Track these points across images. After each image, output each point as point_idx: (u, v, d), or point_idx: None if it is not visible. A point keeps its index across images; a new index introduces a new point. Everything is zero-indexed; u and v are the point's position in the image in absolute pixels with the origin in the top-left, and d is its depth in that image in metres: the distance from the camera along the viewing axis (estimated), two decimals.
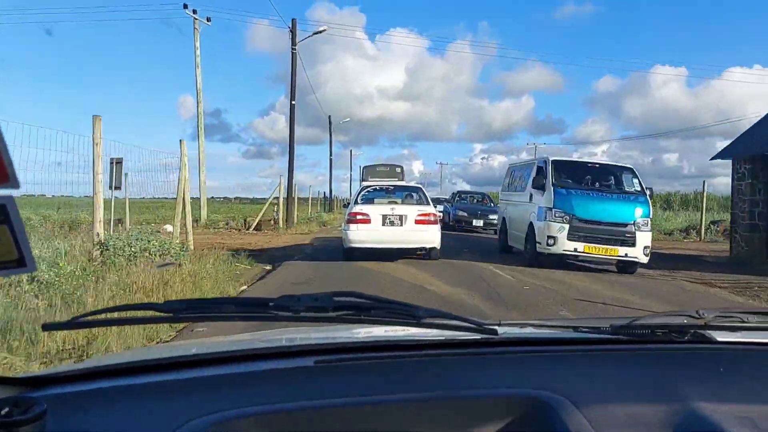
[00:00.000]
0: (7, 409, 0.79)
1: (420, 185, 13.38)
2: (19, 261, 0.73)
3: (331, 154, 51.44)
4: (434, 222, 11.26)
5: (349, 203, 12.80)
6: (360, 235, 10.89)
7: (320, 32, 26.22)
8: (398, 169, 13.33)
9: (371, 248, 10.95)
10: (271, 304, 1.07)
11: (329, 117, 47.96)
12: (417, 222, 11.06)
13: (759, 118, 14.92)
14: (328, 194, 53.09)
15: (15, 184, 0.70)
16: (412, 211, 11.13)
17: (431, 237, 11.18)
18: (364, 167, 13.87)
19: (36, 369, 3.20)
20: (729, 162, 14.87)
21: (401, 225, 10.98)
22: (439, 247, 11.52)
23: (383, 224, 10.95)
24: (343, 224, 11.60)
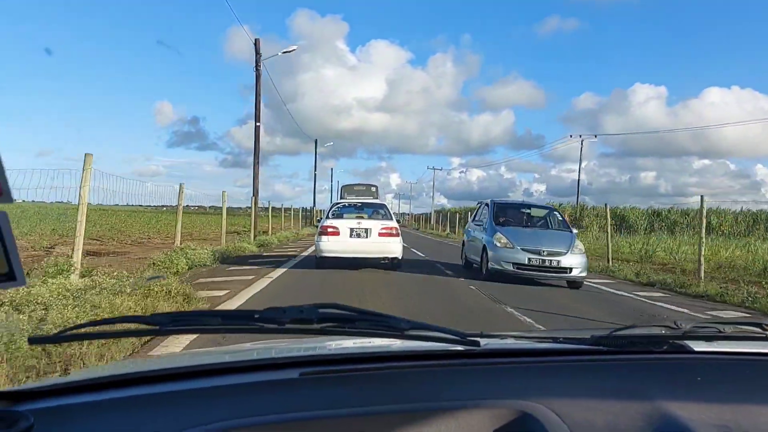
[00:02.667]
0: None
1: (384, 203, 14.80)
2: (9, 275, 0.73)
3: (258, 108, 22.98)
4: (396, 234, 12.69)
5: (320, 218, 14.35)
6: (330, 246, 12.30)
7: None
8: (373, 188, 15.06)
9: (340, 257, 12.30)
10: (256, 316, 1.07)
11: (256, 42, 23.19)
12: (380, 234, 12.49)
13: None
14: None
15: (8, 199, 0.70)
16: (376, 225, 12.57)
17: (393, 248, 12.58)
18: (343, 186, 15.51)
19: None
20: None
21: (367, 237, 12.42)
22: (401, 257, 12.88)
23: (351, 236, 12.36)
24: (316, 236, 12.96)
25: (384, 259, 12.93)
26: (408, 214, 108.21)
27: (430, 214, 69.09)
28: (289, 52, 25.53)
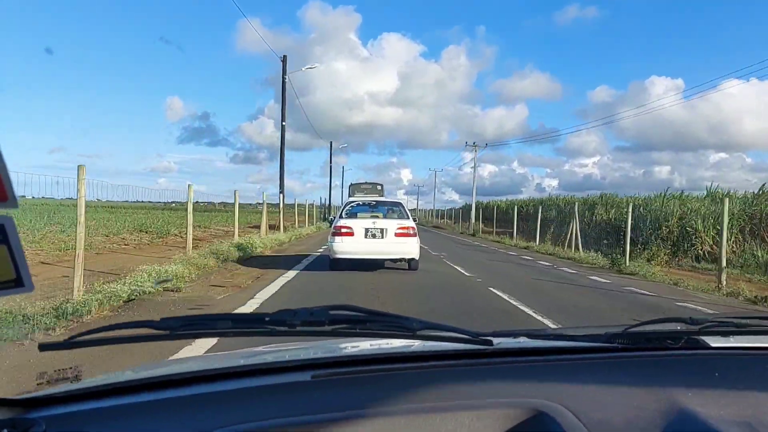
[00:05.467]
0: (5, 431, 0.78)
1: (400, 201, 14.31)
2: (17, 281, 0.72)
3: None
4: (413, 235, 12.09)
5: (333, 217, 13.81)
6: (344, 247, 11.76)
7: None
8: (379, 187, 15.05)
9: (355, 259, 11.81)
10: (267, 319, 1.07)
11: None
12: (397, 235, 11.94)
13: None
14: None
15: (13, 204, 0.69)
16: (392, 225, 12.01)
17: (410, 248, 12.01)
18: (351, 185, 15.46)
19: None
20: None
21: (382, 237, 11.89)
22: (418, 258, 12.33)
23: (366, 237, 11.84)
24: (329, 237, 12.37)
25: (400, 260, 12.40)
26: (427, 210, 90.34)
27: (467, 208, 54.21)
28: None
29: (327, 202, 60.10)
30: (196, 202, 14.85)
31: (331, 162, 64.53)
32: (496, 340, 1.24)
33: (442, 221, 64.50)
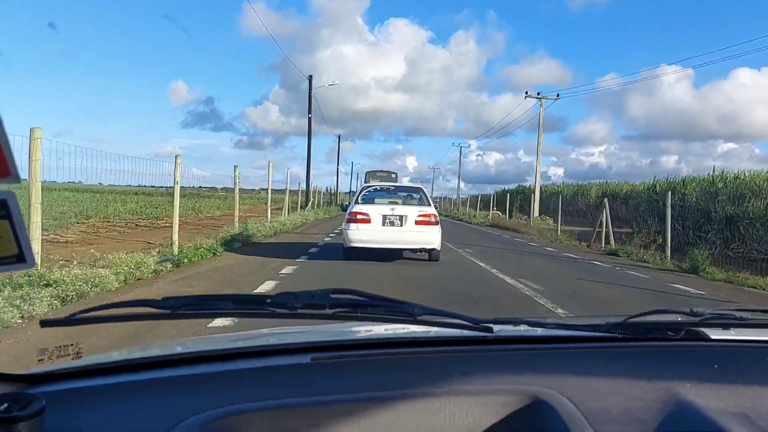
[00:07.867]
0: (6, 405, 0.79)
1: (421, 186, 13.47)
2: (19, 256, 0.72)
3: None
4: (435, 223, 11.28)
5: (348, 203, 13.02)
6: (360, 235, 10.99)
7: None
8: (393, 175, 15.57)
9: (371, 248, 11.05)
10: (268, 301, 1.07)
11: None
12: (417, 223, 11.11)
13: None
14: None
15: (16, 179, 0.69)
16: (412, 212, 11.19)
17: (431, 238, 11.21)
18: (367, 172, 15.99)
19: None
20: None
21: (401, 225, 11.06)
22: (439, 248, 11.56)
23: (383, 224, 11.03)
24: (343, 223, 11.64)
25: (420, 250, 11.65)
26: (443, 198, 74.79)
27: (503, 195, 43.21)
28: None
29: (305, 183, 38.75)
30: (200, 187, 14.91)
31: (310, 109, 32.21)
32: (496, 328, 1.24)
33: (494, 214, 35.97)
